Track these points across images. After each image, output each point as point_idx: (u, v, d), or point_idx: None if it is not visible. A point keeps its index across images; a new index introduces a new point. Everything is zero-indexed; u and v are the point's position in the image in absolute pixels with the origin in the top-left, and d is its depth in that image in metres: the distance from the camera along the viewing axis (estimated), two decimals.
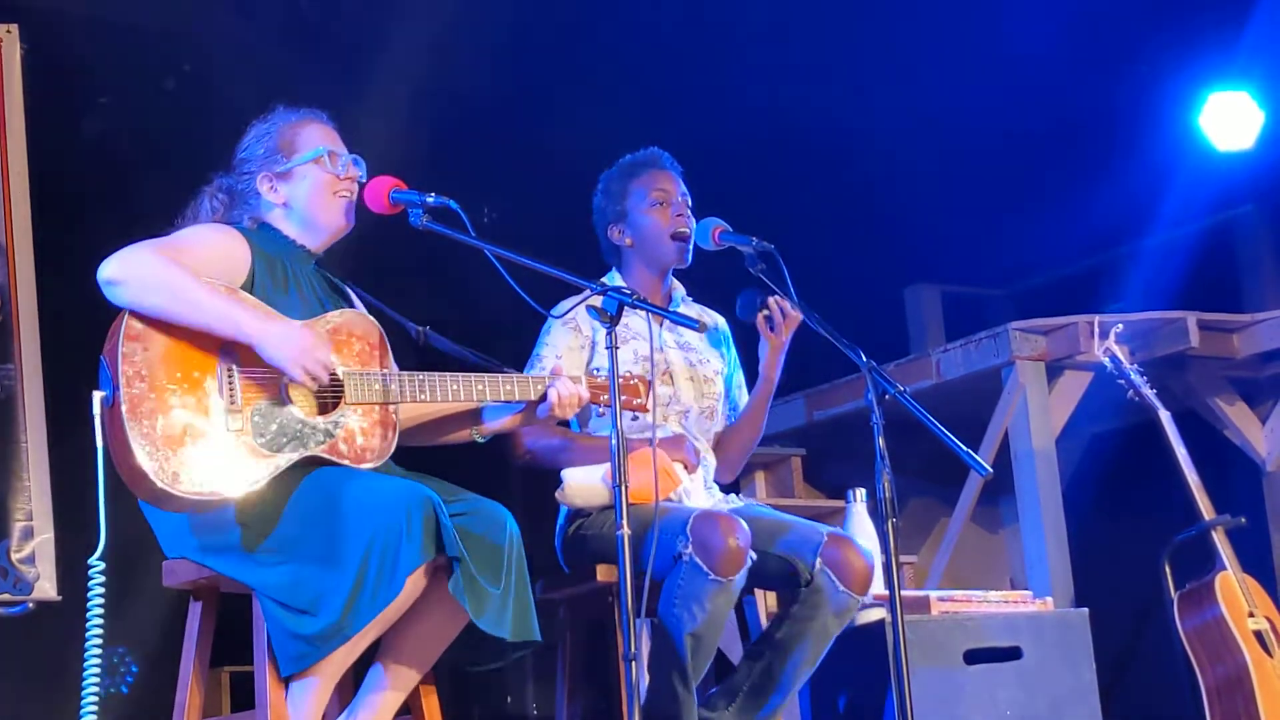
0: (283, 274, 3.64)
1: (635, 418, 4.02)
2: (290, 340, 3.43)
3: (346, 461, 3.51)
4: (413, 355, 3.81)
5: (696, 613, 3.88)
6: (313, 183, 3.71)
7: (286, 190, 3.71)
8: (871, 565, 4.11)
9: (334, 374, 3.50)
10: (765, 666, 4.06)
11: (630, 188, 4.37)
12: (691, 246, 4.31)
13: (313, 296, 3.67)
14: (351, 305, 3.79)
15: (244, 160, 3.75)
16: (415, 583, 3.38)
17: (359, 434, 3.54)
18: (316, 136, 3.74)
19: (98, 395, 3.39)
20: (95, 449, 3.38)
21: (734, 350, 4.52)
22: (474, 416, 3.84)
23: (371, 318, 3.72)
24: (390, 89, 6.15)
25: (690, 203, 4.38)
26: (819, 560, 4.04)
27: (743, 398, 4.48)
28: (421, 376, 3.62)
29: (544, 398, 3.75)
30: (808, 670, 4.08)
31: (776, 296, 4.21)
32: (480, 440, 3.85)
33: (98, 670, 3.47)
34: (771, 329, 4.25)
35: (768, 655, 4.07)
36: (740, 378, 4.51)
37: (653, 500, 3.83)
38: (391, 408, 3.59)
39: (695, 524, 3.91)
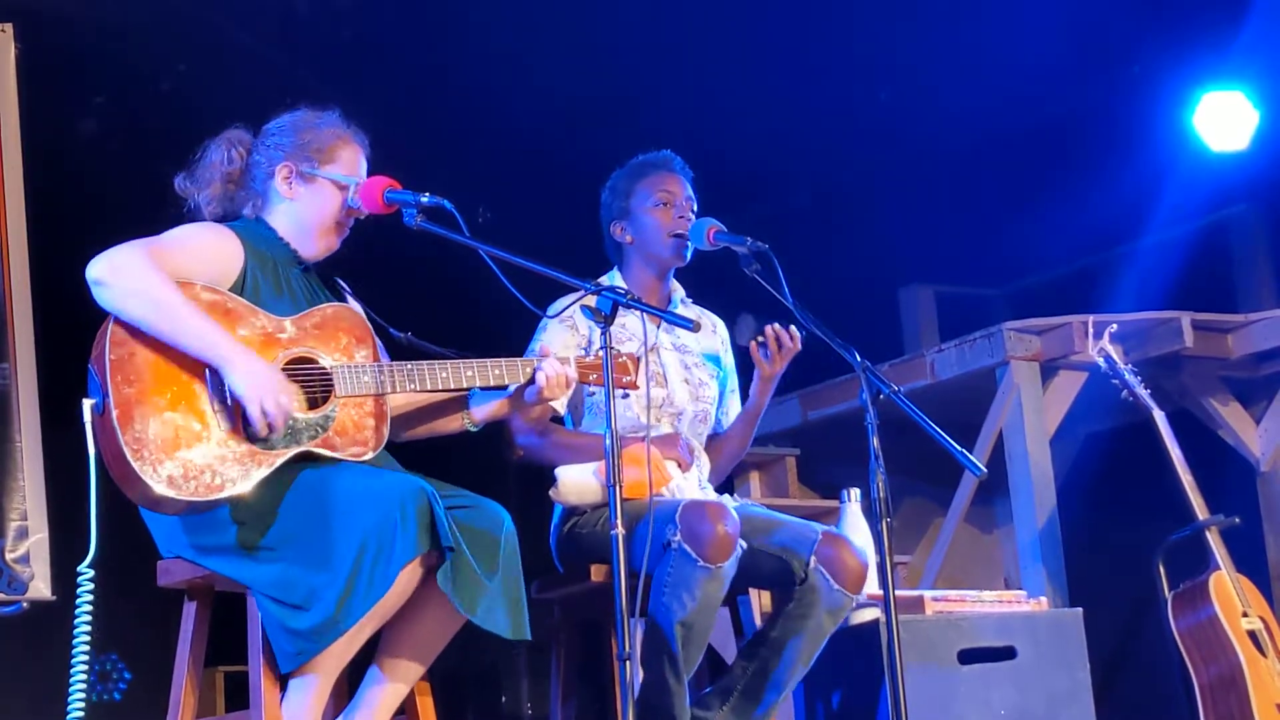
0: (273, 273, 3.64)
1: (625, 395, 4.00)
2: (257, 376, 3.40)
3: (340, 455, 3.51)
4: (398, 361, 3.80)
5: (686, 601, 3.88)
6: (327, 201, 3.71)
7: (302, 191, 3.71)
8: (866, 564, 4.12)
9: (292, 418, 3.45)
10: (759, 666, 4.07)
11: (637, 186, 4.37)
12: (690, 247, 4.31)
13: (303, 297, 3.66)
14: (343, 301, 3.79)
15: (275, 135, 3.74)
16: (410, 575, 3.37)
17: (351, 427, 3.54)
18: (353, 163, 3.74)
19: (88, 403, 3.38)
20: (87, 455, 3.37)
21: (731, 355, 4.51)
22: (463, 403, 3.82)
23: (359, 311, 3.72)
24: (386, 89, 6.16)
25: (695, 208, 4.37)
26: (813, 559, 4.05)
27: (734, 403, 4.48)
28: (410, 366, 3.61)
29: (532, 380, 3.72)
30: (802, 670, 4.08)
31: (775, 325, 4.19)
32: (473, 429, 3.84)
33: (84, 676, 3.46)
34: (765, 357, 4.25)
35: (762, 655, 4.07)
36: (734, 383, 4.50)
37: (645, 495, 3.82)
38: (383, 399, 3.59)
39: (683, 512, 3.92)
